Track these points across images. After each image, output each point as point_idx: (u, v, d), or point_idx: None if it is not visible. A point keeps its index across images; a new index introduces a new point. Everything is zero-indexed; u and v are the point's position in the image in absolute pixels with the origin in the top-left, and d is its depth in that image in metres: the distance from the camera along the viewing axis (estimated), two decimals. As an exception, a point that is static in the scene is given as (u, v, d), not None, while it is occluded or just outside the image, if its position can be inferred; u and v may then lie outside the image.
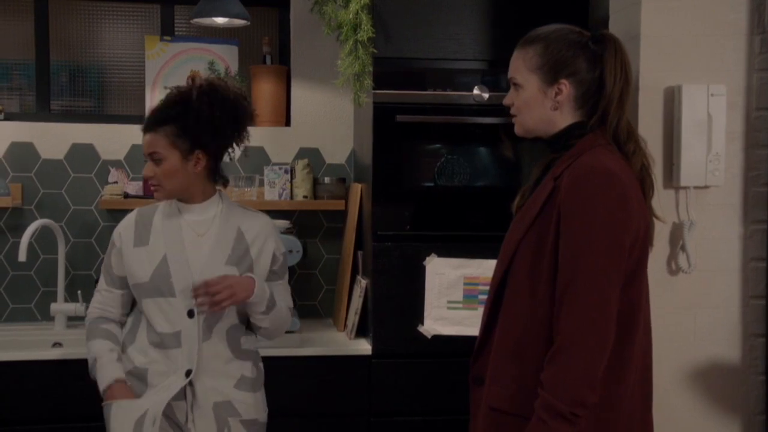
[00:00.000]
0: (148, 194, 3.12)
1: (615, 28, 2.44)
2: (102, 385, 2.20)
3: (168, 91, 2.29)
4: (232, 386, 2.24)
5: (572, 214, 1.69)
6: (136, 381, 2.22)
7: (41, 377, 2.64)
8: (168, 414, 2.19)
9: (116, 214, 3.20)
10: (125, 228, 2.30)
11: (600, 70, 1.78)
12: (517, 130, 1.88)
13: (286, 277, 2.39)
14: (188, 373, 2.18)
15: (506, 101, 1.87)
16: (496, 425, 1.80)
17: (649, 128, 2.31)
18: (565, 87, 1.78)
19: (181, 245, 2.23)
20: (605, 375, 1.67)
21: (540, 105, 1.81)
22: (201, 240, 2.24)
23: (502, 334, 1.82)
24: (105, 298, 2.31)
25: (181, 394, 2.19)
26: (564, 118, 1.81)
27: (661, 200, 2.33)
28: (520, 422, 1.73)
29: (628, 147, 1.78)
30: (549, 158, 1.87)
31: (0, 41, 3.36)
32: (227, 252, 2.23)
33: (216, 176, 2.29)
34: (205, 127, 2.20)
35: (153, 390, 2.19)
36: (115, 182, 3.17)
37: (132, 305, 2.33)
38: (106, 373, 2.20)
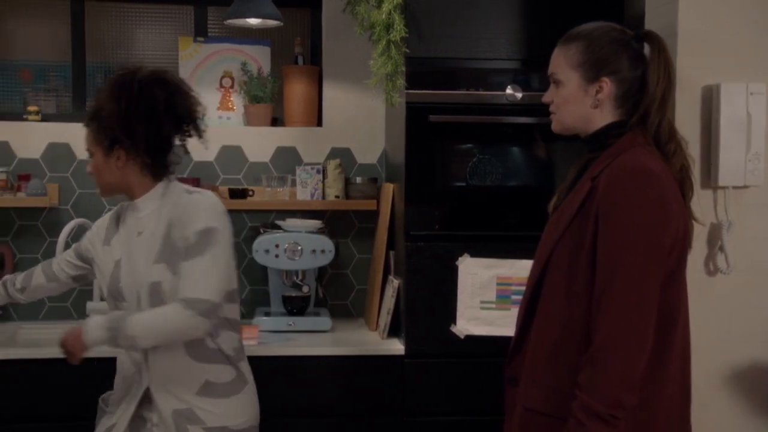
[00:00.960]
0: (182, 194, 3.15)
1: (651, 25, 2.41)
2: None
3: None
4: (194, 393, 2.11)
5: (611, 214, 1.68)
6: (117, 370, 2.24)
7: (76, 374, 2.66)
8: (136, 425, 2.15)
9: (150, 214, 3.24)
10: (100, 224, 2.28)
11: (642, 70, 1.77)
12: (555, 126, 1.87)
13: (198, 259, 2.04)
14: (140, 363, 2.13)
15: (545, 98, 1.86)
16: (532, 426, 1.79)
17: (686, 127, 2.28)
18: (606, 85, 1.77)
19: (131, 247, 2.16)
20: (644, 376, 1.65)
21: (580, 102, 1.80)
22: (140, 240, 2.15)
23: (538, 335, 1.81)
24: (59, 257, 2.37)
25: (148, 403, 2.13)
26: (603, 116, 1.80)
27: (700, 200, 2.30)
28: (556, 423, 1.71)
29: (668, 147, 1.76)
30: (586, 158, 1.86)
31: (37, 44, 3.41)
32: (156, 249, 2.12)
33: (156, 170, 2.16)
34: (114, 124, 2.10)
35: (120, 397, 2.19)
36: (149, 182, 3.19)
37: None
38: None
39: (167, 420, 2.11)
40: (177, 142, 2.18)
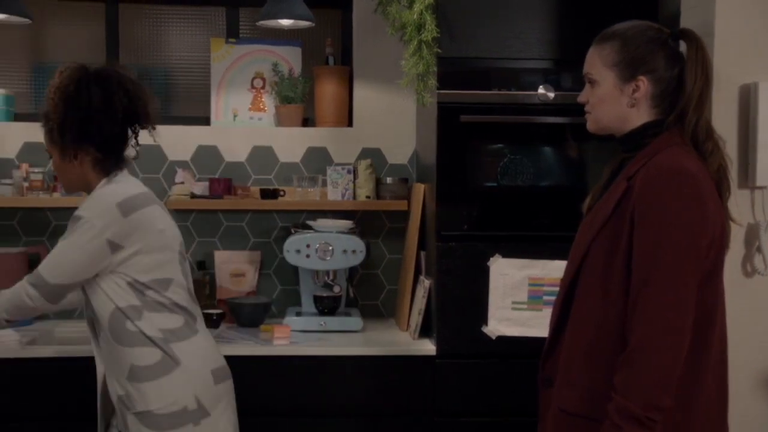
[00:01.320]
0: (214, 194, 3.17)
1: (687, 23, 2.39)
2: None
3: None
4: (125, 378, 2.15)
5: (647, 214, 1.66)
6: None
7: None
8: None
9: (183, 214, 3.27)
10: None
11: (679, 68, 1.75)
12: (590, 126, 1.86)
13: (60, 241, 2.17)
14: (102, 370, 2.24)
15: (581, 98, 1.85)
16: (566, 428, 1.78)
17: (723, 127, 2.25)
18: (643, 84, 1.76)
19: None
20: (682, 377, 1.64)
21: (616, 101, 1.78)
22: None
23: (572, 335, 1.80)
24: None
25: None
26: (639, 115, 1.78)
27: (737, 201, 2.27)
28: (591, 425, 1.70)
29: (706, 146, 1.74)
30: (621, 158, 1.85)
31: (73, 46, 3.45)
32: None
33: (108, 166, 2.22)
34: (59, 125, 2.17)
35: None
36: (182, 182, 3.23)
37: None
38: None
39: (116, 407, 2.20)
40: (130, 135, 2.26)
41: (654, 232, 1.65)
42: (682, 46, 1.78)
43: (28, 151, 3.22)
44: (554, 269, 2.72)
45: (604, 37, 1.81)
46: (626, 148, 1.82)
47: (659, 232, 1.64)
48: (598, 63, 1.80)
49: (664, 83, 1.76)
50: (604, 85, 1.79)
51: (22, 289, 2.17)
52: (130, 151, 2.30)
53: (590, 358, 1.74)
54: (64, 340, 3.02)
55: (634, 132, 1.79)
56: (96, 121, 2.16)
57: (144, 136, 3.32)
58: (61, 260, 2.15)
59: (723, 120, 2.30)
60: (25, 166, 3.15)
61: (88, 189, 2.24)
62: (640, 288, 1.65)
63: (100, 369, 2.25)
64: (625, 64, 1.76)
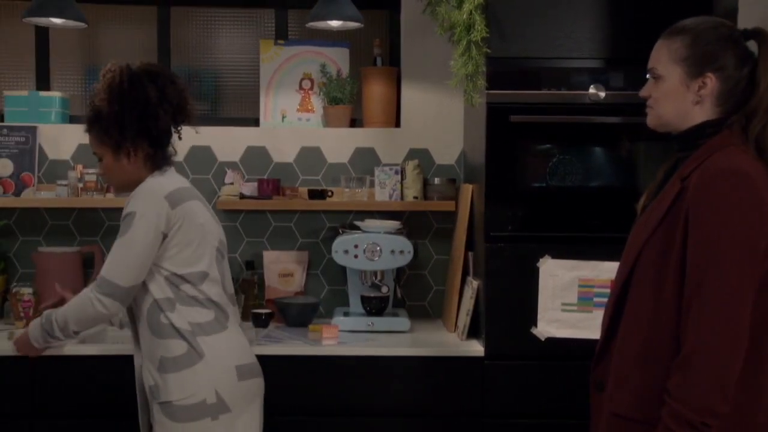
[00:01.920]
0: (263, 194, 3.20)
1: (744, 19, 2.34)
2: None
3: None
4: (155, 369, 2.23)
5: (702, 215, 1.63)
6: None
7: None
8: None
9: (232, 215, 3.31)
10: None
11: (750, 69, 1.71)
12: (651, 121, 1.82)
13: (117, 241, 2.21)
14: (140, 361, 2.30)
15: (643, 93, 1.82)
16: None
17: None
18: (711, 81, 1.72)
19: None
20: (741, 383, 1.61)
21: (681, 98, 1.75)
22: None
23: (625, 338, 1.78)
24: None
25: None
26: (702, 113, 1.74)
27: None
28: (645, 429, 1.68)
29: None
30: (675, 157, 1.82)
31: (125, 49, 3.52)
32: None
33: (158, 161, 2.29)
34: (114, 124, 2.22)
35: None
36: (231, 183, 3.26)
37: None
38: None
39: (148, 396, 2.27)
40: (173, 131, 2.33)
41: (709, 233, 1.62)
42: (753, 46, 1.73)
43: (82, 152, 3.29)
44: (604, 271, 2.69)
45: (673, 32, 1.77)
46: (681, 147, 1.79)
47: (714, 233, 1.61)
48: (666, 57, 1.76)
49: (732, 82, 1.72)
50: (669, 81, 1.76)
51: (92, 300, 2.20)
52: (171, 149, 2.38)
53: (644, 362, 1.72)
54: (116, 338, 3.07)
55: (691, 130, 1.76)
56: (153, 116, 2.23)
57: (194, 138, 3.39)
58: (127, 261, 2.18)
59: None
60: (79, 167, 3.22)
61: (136, 186, 2.28)
62: (694, 290, 1.62)
63: (137, 360, 2.31)
64: (694, 60, 1.73)
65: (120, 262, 2.19)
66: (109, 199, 3.19)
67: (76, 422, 2.73)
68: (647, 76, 1.82)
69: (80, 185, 3.19)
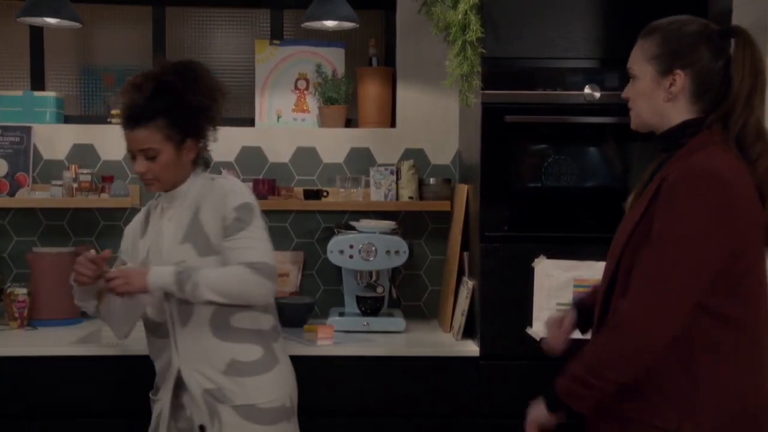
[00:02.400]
0: (258, 194, 3.19)
1: (739, 21, 2.35)
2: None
3: (133, 78, 2.24)
4: (221, 372, 2.17)
5: (670, 208, 1.65)
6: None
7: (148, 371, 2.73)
8: (176, 410, 2.24)
9: (228, 215, 3.30)
10: (136, 220, 2.39)
11: (724, 64, 1.71)
12: (633, 122, 1.84)
13: (247, 230, 2.15)
14: (177, 362, 2.21)
15: (623, 94, 1.85)
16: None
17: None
18: (680, 78, 1.73)
19: (159, 234, 2.27)
20: (746, 381, 1.63)
21: (653, 96, 1.76)
22: (168, 225, 2.26)
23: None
24: None
25: (181, 384, 2.22)
26: (678, 112, 1.75)
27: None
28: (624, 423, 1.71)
29: (753, 149, 1.69)
30: (661, 158, 1.82)
31: (120, 49, 3.51)
32: (182, 231, 2.21)
33: (198, 160, 2.28)
34: (194, 114, 2.19)
35: (160, 384, 2.28)
36: (227, 183, 3.26)
37: None
38: None
39: (199, 401, 2.18)
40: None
41: (673, 221, 1.64)
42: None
43: (77, 152, 3.29)
44: (599, 271, 2.61)
45: (647, 31, 1.80)
46: (665, 146, 1.80)
47: (678, 222, 1.63)
48: (639, 57, 1.78)
49: (705, 78, 1.72)
50: (642, 80, 1.78)
51: (260, 283, 2.10)
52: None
53: None
54: (112, 338, 3.07)
55: (673, 130, 1.76)
56: (217, 107, 2.25)
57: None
58: (266, 245, 2.18)
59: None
60: (74, 167, 3.21)
61: (181, 182, 2.26)
62: (644, 264, 1.65)
63: (175, 362, 2.22)
64: (663, 58, 1.74)
65: (263, 246, 2.15)
66: (104, 200, 3.19)
67: (72, 423, 2.72)
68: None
69: (75, 185, 3.18)
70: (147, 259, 2.27)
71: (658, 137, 1.81)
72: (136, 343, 2.95)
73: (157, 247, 2.26)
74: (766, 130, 1.72)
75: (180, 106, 2.17)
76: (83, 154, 3.29)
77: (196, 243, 2.18)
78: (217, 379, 2.17)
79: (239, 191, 2.21)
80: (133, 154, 2.21)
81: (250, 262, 2.11)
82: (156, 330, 2.28)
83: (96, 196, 3.19)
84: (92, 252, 2.19)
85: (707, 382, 1.64)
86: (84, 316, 3.21)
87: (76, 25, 3.06)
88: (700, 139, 1.71)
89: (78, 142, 3.29)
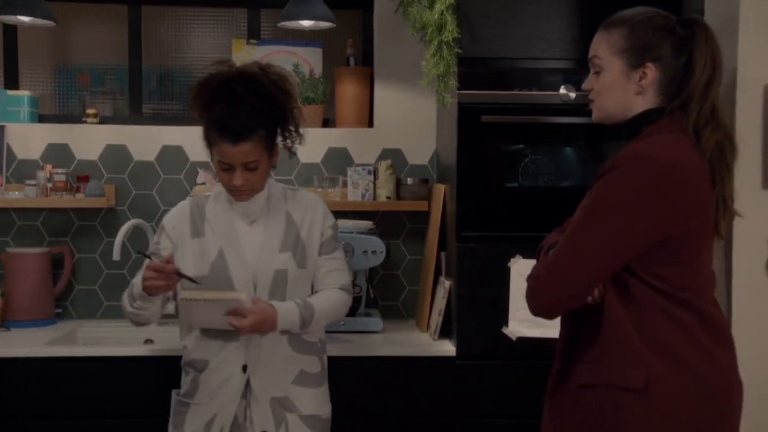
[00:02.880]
0: (235, 195, 3.19)
1: (711, 20, 2.35)
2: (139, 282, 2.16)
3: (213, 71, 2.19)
4: (290, 381, 2.21)
5: (596, 186, 1.70)
6: (194, 372, 2.24)
7: (133, 372, 2.72)
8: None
9: (204, 215, 3.29)
10: (179, 218, 2.27)
11: (687, 56, 1.73)
12: (595, 114, 1.85)
13: (339, 251, 2.33)
14: (245, 368, 2.19)
15: (586, 85, 1.85)
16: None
17: (747, 128, 2.24)
18: (651, 71, 1.74)
19: (235, 237, 2.22)
20: (688, 345, 1.68)
21: (622, 89, 1.77)
22: (252, 230, 2.23)
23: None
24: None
25: (246, 391, 2.20)
26: (644, 103, 1.77)
27: (760, 201, 2.25)
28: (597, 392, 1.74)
29: (704, 131, 1.71)
30: (624, 145, 1.82)
31: (95, 48, 3.49)
32: (279, 239, 2.22)
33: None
34: (290, 123, 2.22)
35: (216, 389, 2.20)
36: (203, 183, 3.24)
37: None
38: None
39: (265, 407, 2.18)
40: None
41: (591, 201, 1.70)
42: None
43: (51, 152, 3.26)
44: None
45: (611, 23, 1.80)
46: (626, 135, 1.81)
47: (594, 203, 1.69)
48: (605, 49, 1.78)
49: (671, 71, 1.74)
50: (610, 73, 1.78)
51: (348, 298, 2.32)
52: None
53: (571, 348, 1.81)
54: (87, 340, 3.05)
55: (635, 118, 1.77)
56: (300, 113, 2.28)
57: (166, 137, 3.36)
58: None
59: (747, 121, 2.27)
60: (48, 167, 3.18)
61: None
62: (570, 228, 1.74)
63: (236, 364, 2.19)
64: (633, 51, 1.75)
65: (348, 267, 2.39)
66: (79, 200, 3.16)
67: (46, 424, 2.70)
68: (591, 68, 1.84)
69: (49, 185, 3.15)
70: (223, 264, 2.20)
71: (621, 126, 1.81)
72: (111, 343, 2.94)
73: (237, 250, 2.21)
74: (720, 115, 1.73)
75: (280, 118, 2.20)
76: (58, 153, 3.26)
77: (296, 253, 2.23)
78: (286, 388, 2.21)
79: (327, 209, 2.33)
80: (227, 166, 2.14)
81: (344, 285, 2.31)
82: (223, 335, 2.20)
83: (71, 196, 3.17)
84: (156, 261, 2.13)
85: (662, 346, 1.68)
86: (58, 316, 3.20)
87: (50, 23, 3.03)
88: (657, 126, 1.73)
89: (53, 142, 3.26)
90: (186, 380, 2.29)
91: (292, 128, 2.24)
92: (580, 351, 1.79)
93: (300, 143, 2.28)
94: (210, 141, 2.17)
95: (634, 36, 1.75)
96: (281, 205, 2.26)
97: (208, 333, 2.22)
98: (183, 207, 2.30)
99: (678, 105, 1.73)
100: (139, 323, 2.29)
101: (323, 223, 2.28)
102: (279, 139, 2.23)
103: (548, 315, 1.80)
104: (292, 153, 2.28)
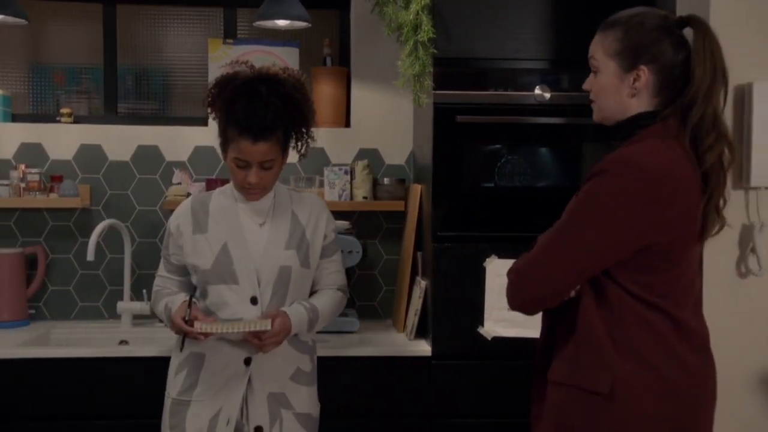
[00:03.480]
0: (211, 195, 3.17)
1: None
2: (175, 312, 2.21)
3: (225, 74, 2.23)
4: (288, 378, 2.25)
5: (583, 190, 1.70)
6: (194, 364, 2.25)
7: (108, 374, 2.70)
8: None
9: (180, 215, 3.27)
10: (182, 216, 2.30)
11: (684, 57, 1.71)
12: (595, 115, 1.84)
13: (337, 254, 2.42)
14: (247, 361, 2.21)
15: (585, 86, 1.84)
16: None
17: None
18: (644, 74, 1.72)
19: (240, 233, 2.25)
20: (660, 349, 1.69)
21: (616, 91, 1.76)
22: (261, 229, 2.27)
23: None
24: (165, 282, 2.35)
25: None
26: (639, 105, 1.75)
27: (731, 201, 2.27)
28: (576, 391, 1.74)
29: (707, 140, 1.68)
30: (614, 146, 1.82)
31: (70, 47, 3.46)
32: (285, 237, 2.26)
33: None
34: (305, 125, 2.25)
35: (221, 382, 2.22)
36: (179, 183, 3.23)
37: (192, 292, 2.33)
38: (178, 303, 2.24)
39: (262, 402, 2.22)
40: None
41: (576, 205, 1.70)
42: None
43: (25, 151, 3.23)
44: None
45: (607, 25, 1.79)
46: (618, 137, 1.80)
47: (579, 206, 1.69)
48: (600, 52, 1.77)
49: (668, 72, 1.72)
50: (605, 75, 1.77)
51: (344, 299, 2.41)
52: None
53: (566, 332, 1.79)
54: (61, 341, 3.03)
55: (626, 121, 1.76)
56: (314, 117, 2.31)
57: (141, 137, 3.34)
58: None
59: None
60: (21, 167, 3.15)
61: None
62: (542, 237, 1.74)
63: (239, 358, 2.23)
64: (627, 54, 1.73)
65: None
66: (53, 199, 3.13)
67: (19, 425, 2.68)
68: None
69: (23, 185, 3.12)
70: (227, 258, 2.22)
71: (612, 127, 1.80)
72: (86, 344, 2.92)
73: (242, 245, 2.23)
74: (722, 122, 1.70)
75: (297, 120, 2.23)
76: (31, 153, 3.23)
77: (300, 252, 2.27)
78: (284, 384, 2.25)
79: (329, 212, 2.39)
80: (243, 164, 2.17)
81: (342, 286, 2.40)
82: None
83: (44, 196, 3.14)
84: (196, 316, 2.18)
85: (633, 352, 1.68)
86: (31, 318, 3.17)
87: (22, 21, 3.00)
88: (649, 131, 1.72)
89: (26, 141, 3.23)
90: (179, 378, 2.28)
91: (305, 131, 2.27)
92: (557, 348, 1.80)
93: (310, 147, 2.33)
94: (227, 138, 2.19)
95: (628, 38, 1.73)
96: (287, 205, 2.31)
97: None
98: (185, 206, 2.34)
99: (672, 111, 1.70)
100: None
101: (327, 226, 2.34)
102: (292, 141, 2.27)
103: (526, 311, 1.81)
104: (302, 156, 2.31)
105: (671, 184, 1.65)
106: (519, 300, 1.79)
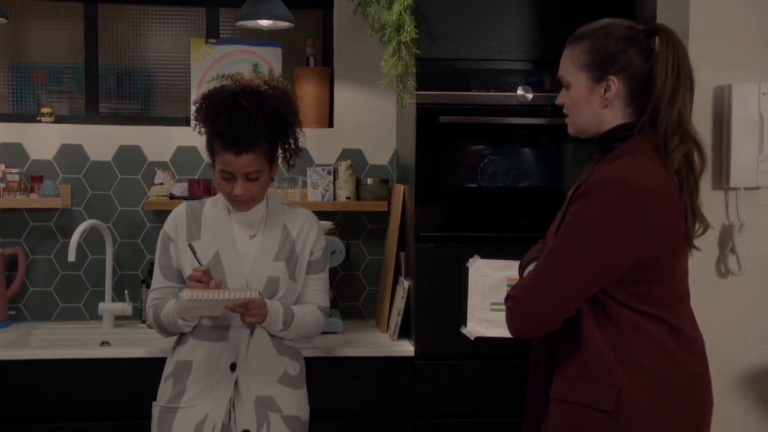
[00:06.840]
0: (194, 195, 3.16)
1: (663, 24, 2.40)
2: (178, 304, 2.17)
3: (214, 86, 2.24)
4: (275, 381, 2.26)
5: (574, 212, 1.69)
6: (181, 372, 2.24)
7: (89, 375, 2.69)
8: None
9: (162, 215, 3.24)
10: (178, 221, 2.31)
11: (653, 65, 1.72)
12: (570, 130, 1.85)
13: (323, 273, 2.38)
14: (233, 366, 2.21)
15: (558, 101, 1.85)
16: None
17: (698, 128, 2.26)
18: (614, 84, 1.73)
19: (232, 243, 2.26)
20: (662, 355, 1.69)
21: (588, 103, 1.77)
22: (252, 241, 2.28)
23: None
24: (164, 293, 2.29)
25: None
26: (614, 116, 1.76)
27: (710, 202, 2.29)
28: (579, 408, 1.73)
29: (671, 142, 1.69)
30: (597, 160, 1.84)
31: (51, 46, 3.43)
32: (275, 249, 2.27)
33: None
34: (290, 135, 2.25)
35: (207, 389, 2.21)
36: (161, 183, 3.21)
37: None
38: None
39: (249, 406, 2.21)
40: None
41: (569, 228, 1.68)
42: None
43: (5, 151, 3.20)
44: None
45: (574, 39, 1.80)
46: (600, 150, 1.81)
47: (573, 228, 1.68)
48: (570, 66, 1.79)
49: (637, 81, 1.73)
50: (576, 88, 1.78)
51: (323, 319, 2.36)
52: None
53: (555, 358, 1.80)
54: (42, 342, 3.01)
55: (606, 135, 1.77)
56: (300, 126, 2.30)
57: (123, 137, 3.32)
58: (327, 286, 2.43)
59: (697, 122, 2.28)
60: (2, 166, 3.13)
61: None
62: (537, 263, 1.72)
63: (225, 363, 2.22)
64: (595, 65, 1.74)
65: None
66: (33, 200, 3.11)
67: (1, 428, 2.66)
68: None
69: (2, 185, 3.10)
70: (219, 266, 2.21)
71: (594, 141, 1.82)
72: (67, 345, 2.90)
73: (233, 254, 2.24)
74: (687, 123, 1.71)
75: (282, 130, 2.23)
76: (12, 153, 3.20)
77: (289, 264, 2.27)
78: (271, 388, 2.24)
79: (321, 230, 2.38)
80: (228, 176, 2.17)
81: (323, 307, 2.36)
82: (213, 335, 2.23)
83: (25, 197, 3.12)
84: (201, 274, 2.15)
85: (637, 363, 1.68)
86: (11, 319, 3.14)
87: (2, 20, 2.98)
88: (629, 145, 1.72)
89: (6, 141, 3.21)
90: (167, 386, 2.28)
91: (292, 142, 2.27)
92: (558, 364, 1.79)
93: (299, 158, 2.33)
94: (213, 151, 2.20)
95: (595, 50, 1.74)
96: (279, 218, 2.32)
97: (197, 335, 2.24)
98: (180, 211, 2.34)
99: (648, 120, 1.71)
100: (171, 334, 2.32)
101: (316, 243, 2.33)
102: (279, 152, 2.27)
103: (529, 336, 1.79)
104: (290, 166, 2.32)
105: (656, 199, 1.66)
106: (519, 326, 1.75)
